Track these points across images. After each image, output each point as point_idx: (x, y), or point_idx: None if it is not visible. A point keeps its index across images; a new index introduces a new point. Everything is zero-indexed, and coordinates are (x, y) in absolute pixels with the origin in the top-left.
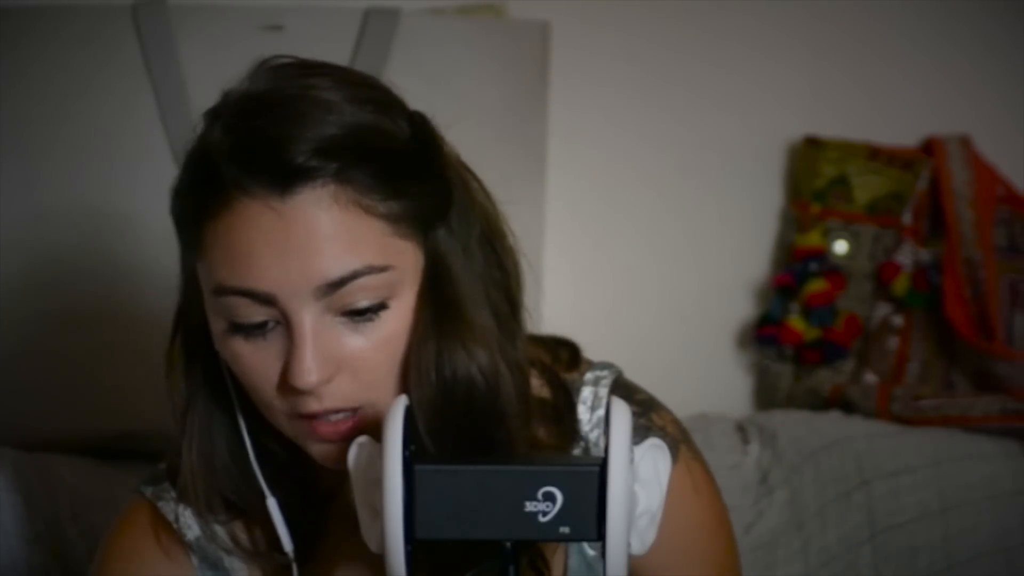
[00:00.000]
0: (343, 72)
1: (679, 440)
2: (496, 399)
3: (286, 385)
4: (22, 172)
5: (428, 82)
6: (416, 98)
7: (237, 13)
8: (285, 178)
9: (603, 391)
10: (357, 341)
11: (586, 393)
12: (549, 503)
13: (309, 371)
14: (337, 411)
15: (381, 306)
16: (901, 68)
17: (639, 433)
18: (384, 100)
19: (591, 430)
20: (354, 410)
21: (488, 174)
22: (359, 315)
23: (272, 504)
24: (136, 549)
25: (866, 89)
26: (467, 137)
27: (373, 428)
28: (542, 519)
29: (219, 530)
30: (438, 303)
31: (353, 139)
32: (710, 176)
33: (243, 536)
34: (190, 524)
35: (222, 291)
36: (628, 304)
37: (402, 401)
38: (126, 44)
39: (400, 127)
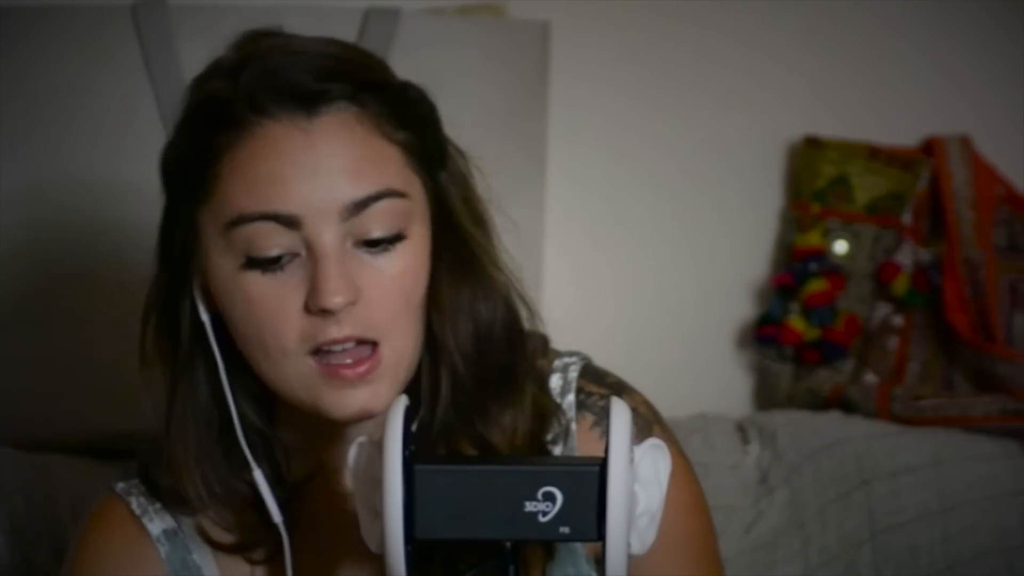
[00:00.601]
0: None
1: (651, 421)
2: (520, 330)
3: (310, 314)
4: (22, 172)
5: (428, 82)
6: None
7: (237, 13)
8: (309, 99)
9: (572, 375)
10: (374, 271)
11: (555, 381)
12: (549, 503)
13: (336, 290)
14: (356, 341)
15: (397, 237)
16: (901, 68)
17: (606, 413)
18: (371, 53)
19: None
20: (372, 346)
21: (488, 174)
22: (376, 245)
23: (259, 475)
24: (105, 545)
25: (866, 89)
26: (467, 137)
27: (387, 367)
28: (542, 519)
29: (191, 526)
30: (452, 242)
31: (353, 68)
32: (710, 176)
33: (215, 529)
34: (157, 518)
35: (243, 220)
36: (628, 304)
37: (402, 401)
38: (126, 44)
39: (393, 75)
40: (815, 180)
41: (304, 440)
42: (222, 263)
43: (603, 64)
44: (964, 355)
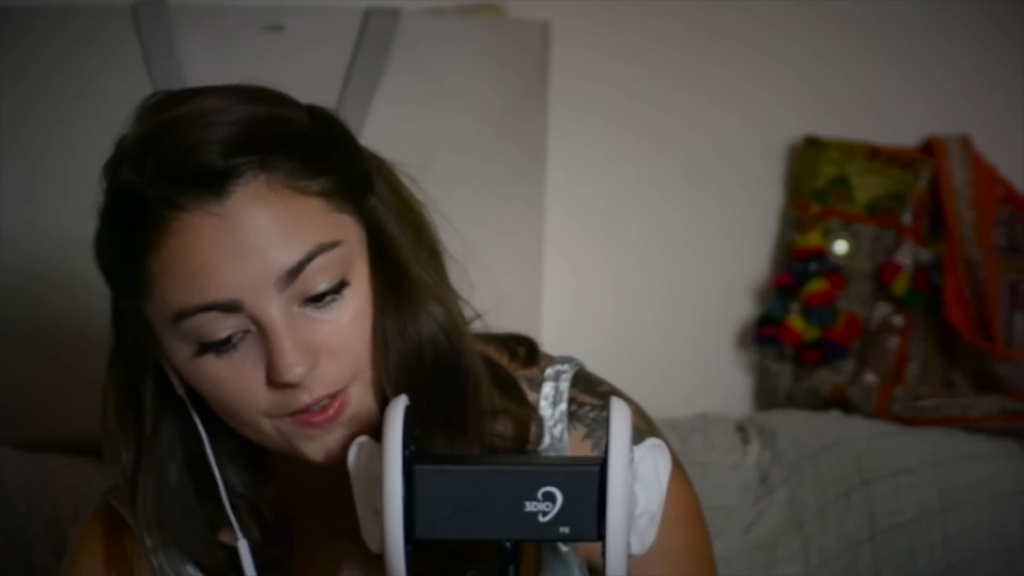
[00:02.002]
0: (223, 86)
1: (643, 432)
2: (461, 354)
3: (274, 387)
4: (22, 172)
5: (428, 82)
6: (416, 98)
7: (237, 13)
8: (216, 181)
9: (564, 385)
10: (328, 325)
11: (547, 389)
12: (549, 503)
13: (294, 363)
14: (327, 397)
15: (342, 284)
16: (901, 68)
17: (600, 424)
18: (273, 96)
19: (554, 425)
20: (340, 391)
21: (488, 174)
22: (322, 299)
23: (243, 546)
24: (100, 556)
25: (866, 89)
26: (467, 137)
27: (357, 406)
28: (542, 519)
29: (175, 555)
30: (387, 268)
31: (259, 130)
32: (710, 176)
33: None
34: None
35: (184, 314)
36: (628, 304)
37: (402, 401)
38: (126, 44)
39: (298, 115)
40: (815, 180)
41: (302, 464)
42: (177, 350)
43: (603, 64)
44: (964, 355)
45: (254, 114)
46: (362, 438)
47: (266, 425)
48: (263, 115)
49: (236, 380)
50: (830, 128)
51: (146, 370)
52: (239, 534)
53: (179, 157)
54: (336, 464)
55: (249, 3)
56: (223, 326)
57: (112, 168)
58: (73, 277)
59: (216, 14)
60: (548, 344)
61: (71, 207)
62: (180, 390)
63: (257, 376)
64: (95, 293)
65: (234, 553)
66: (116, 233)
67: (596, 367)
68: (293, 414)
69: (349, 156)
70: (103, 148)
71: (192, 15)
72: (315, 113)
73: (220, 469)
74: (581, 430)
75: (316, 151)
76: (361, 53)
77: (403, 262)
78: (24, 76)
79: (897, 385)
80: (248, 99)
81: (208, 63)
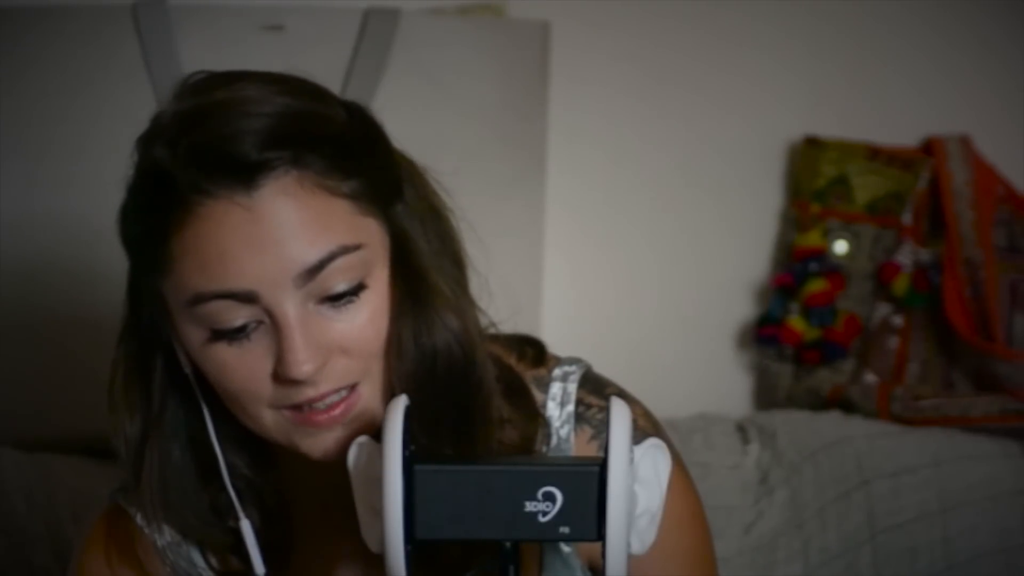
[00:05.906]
0: (266, 73)
1: (649, 433)
2: (473, 366)
3: (280, 380)
4: (22, 172)
5: (428, 82)
6: (416, 98)
7: (237, 13)
8: (247, 173)
9: (572, 387)
10: (343, 325)
11: (555, 389)
12: (549, 503)
13: (303, 361)
14: (333, 392)
15: (360, 287)
16: (901, 68)
17: (604, 426)
18: (314, 90)
19: (561, 426)
20: (348, 388)
21: (488, 174)
22: (339, 299)
23: (246, 526)
24: (108, 557)
25: (866, 89)
26: (467, 137)
27: (364, 407)
28: (542, 519)
29: (185, 553)
30: (407, 275)
31: (296, 125)
32: (710, 176)
33: (212, 559)
34: (161, 530)
35: (200, 299)
36: (628, 304)
37: (402, 401)
38: (126, 44)
39: (337, 112)
40: (815, 180)
41: (304, 461)
42: (189, 333)
43: (603, 64)
44: (964, 355)
45: (292, 107)
46: (362, 438)
47: (267, 416)
48: (301, 109)
49: (243, 370)
50: (830, 128)
51: (157, 348)
52: (241, 514)
53: (213, 144)
54: (337, 462)
55: (249, 3)
56: (237, 315)
57: (145, 143)
58: (75, 277)
59: (216, 14)
60: (548, 344)
61: (72, 207)
62: (187, 369)
63: (265, 367)
64: (96, 293)
65: (237, 538)
66: (142, 210)
67: (596, 367)
68: (294, 408)
69: (382, 160)
70: (104, 147)
71: (192, 15)
72: (353, 111)
73: (223, 451)
74: (588, 431)
75: (350, 152)
76: (361, 53)
77: (424, 270)
78: (24, 76)
79: (897, 385)
80: (287, 91)
81: (208, 63)
